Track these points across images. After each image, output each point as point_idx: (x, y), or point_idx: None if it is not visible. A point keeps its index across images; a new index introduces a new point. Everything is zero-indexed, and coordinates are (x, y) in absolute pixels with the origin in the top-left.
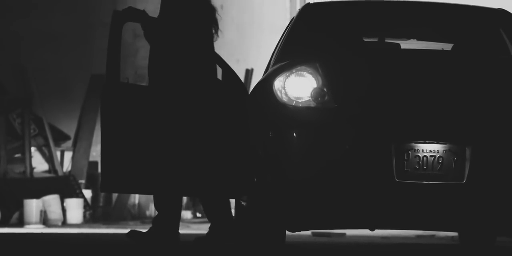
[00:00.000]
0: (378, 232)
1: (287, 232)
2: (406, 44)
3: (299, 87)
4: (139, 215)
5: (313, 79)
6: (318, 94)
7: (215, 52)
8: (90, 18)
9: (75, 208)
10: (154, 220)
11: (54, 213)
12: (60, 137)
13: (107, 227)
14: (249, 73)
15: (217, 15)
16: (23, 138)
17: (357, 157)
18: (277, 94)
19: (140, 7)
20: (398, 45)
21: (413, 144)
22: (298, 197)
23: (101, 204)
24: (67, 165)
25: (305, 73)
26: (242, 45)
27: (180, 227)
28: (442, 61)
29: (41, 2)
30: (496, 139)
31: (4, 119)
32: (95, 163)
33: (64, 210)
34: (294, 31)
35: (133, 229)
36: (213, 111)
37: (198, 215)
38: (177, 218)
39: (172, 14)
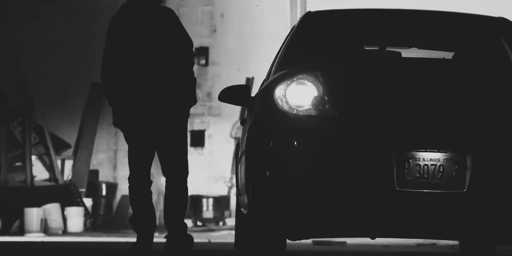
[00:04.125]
0: (379, 240)
1: (288, 241)
2: (407, 53)
3: (300, 95)
4: None
5: (314, 87)
6: (319, 103)
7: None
8: (91, 27)
9: (75, 217)
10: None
11: (55, 221)
12: (61, 146)
13: (108, 236)
14: (249, 81)
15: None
16: (24, 147)
17: (358, 166)
18: (278, 102)
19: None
20: (399, 53)
21: (414, 153)
22: (299, 205)
23: (101, 212)
24: (67, 174)
25: (306, 81)
26: (243, 54)
27: None
28: (443, 70)
29: (43, 11)
30: (496, 147)
31: (5, 128)
32: (96, 171)
33: (64, 219)
34: (295, 39)
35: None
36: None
37: (199, 223)
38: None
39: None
